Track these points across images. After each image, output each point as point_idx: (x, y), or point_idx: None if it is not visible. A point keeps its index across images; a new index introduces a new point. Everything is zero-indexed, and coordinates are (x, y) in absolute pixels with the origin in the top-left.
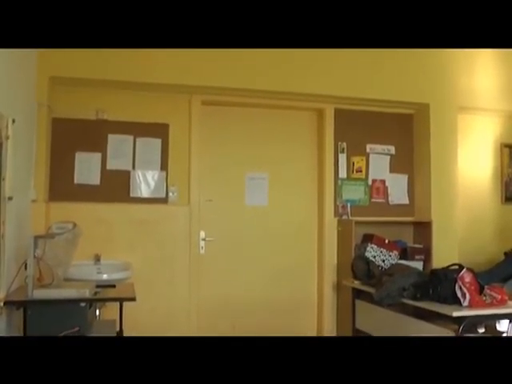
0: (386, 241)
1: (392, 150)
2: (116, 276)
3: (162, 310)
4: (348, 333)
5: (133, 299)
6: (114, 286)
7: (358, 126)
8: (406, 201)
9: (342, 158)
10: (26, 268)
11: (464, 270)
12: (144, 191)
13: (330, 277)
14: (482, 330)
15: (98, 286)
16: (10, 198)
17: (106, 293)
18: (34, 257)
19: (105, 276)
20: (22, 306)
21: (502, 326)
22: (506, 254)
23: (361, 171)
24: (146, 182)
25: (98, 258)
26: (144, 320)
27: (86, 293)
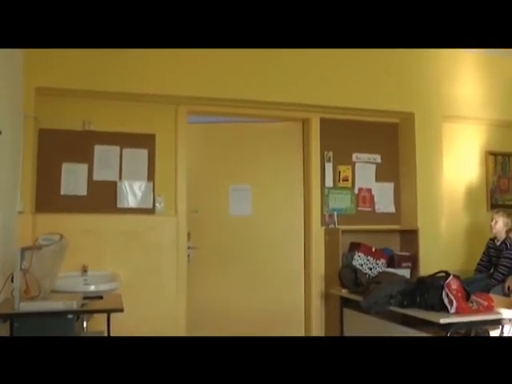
0: (373, 249)
1: (378, 158)
2: (103, 287)
3: (150, 320)
4: None
5: (120, 310)
6: (101, 298)
7: (344, 136)
8: (393, 209)
9: (329, 167)
10: (12, 280)
11: (451, 277)
12: (131, 202)
13: (318, 286)
14: None
15: (85, 298)
16: None
17: (93, 304)
18: (21, 269)
19: (92, 287)
20: (8, 318)
21: (495, 333)
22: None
23: (347, 180)
24: (132, 192)
25: (85, 270)
26: (132, 330)
27: (73, 305)
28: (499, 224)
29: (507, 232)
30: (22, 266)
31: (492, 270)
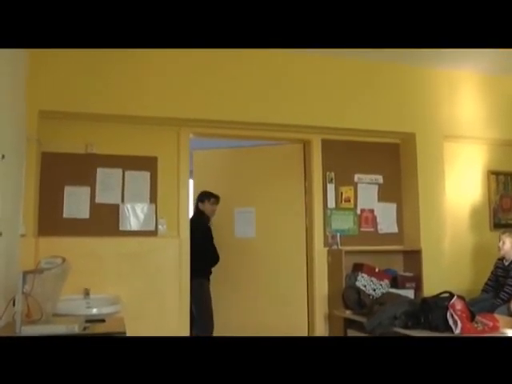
0: (377, 270)
1: (380, 179)
2: (105, 310)
3: None
4: None
5: (123, 333)
6: (103, 321)
7: (346, 156)
8: (395, 229)
9: (331, 187)
10: (14, 304)
11: (455, 297)
12: (133, 224)
13: (321, 307)
14: None
15: (87, 321)
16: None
17: (95, 328)
18: (23, 293)
19: (94, 310)
20: None
21: None
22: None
23: (349, 201)
24: (135, 214)
25: (87, 293)
26: None
27: (75, 328)
28: (507, 245)
29: None
30: (24, 290)
31: (499, 290)
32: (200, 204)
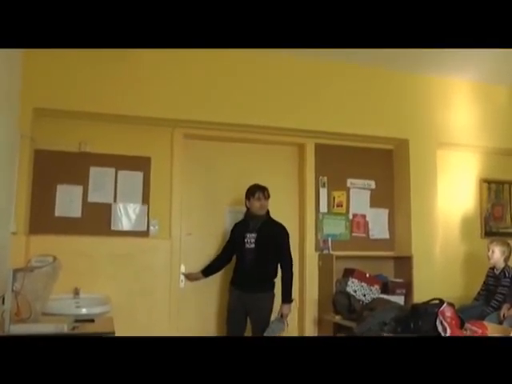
0: (367, 275)
1: (372, 184)
2: (95, 310)
3: None
4: None
5: (112, 334)
6: (92, 321)
7: (339, 161)
8: (387, 235)
9: (323, 192)
10: (3, 302)
11: (445, 304)
12: (125, 224)
13: (311, 311)
14: None
15: (76, 321)
16: None
17: (84, 328)
18: (12, 291)
19: (84, 310)
20: None
21: None
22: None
23: (341, 206)
24: (127, 215)
25: (77, 292)
26: None
27: (64, 328)
28: (496, 254)
29: (505, 260)
30: (14, 288)
31: (490, 299)
32: (247, 202)
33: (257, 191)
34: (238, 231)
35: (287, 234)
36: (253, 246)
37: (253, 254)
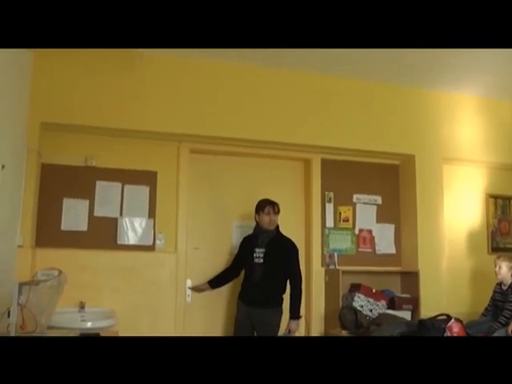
0: (374, 290)
1: (379, 199)
2: (100, 324)
3: None
4: None
5: None
6: (98, 335)
7: (345, 176)
8: (393, 250)
9: (329, 207)
10: (8, 315)
11: (452, 319)
12: (131, 238)
13: (318, 326)
14: None
15: (81, 335)
16: None
17: None
18: (18, 304)
19: (89, 324)
20: None
21: None
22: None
23: (348, 220)
24: (133, 229)
25: (82, 306)
26: None
27: None
28: (503, 269)
29: None
30: (19, 301)
31: (498, 315)
32: (256, 216)
33: (267, 206)
34: (246, 245)
35: (297, 250)
36: (261, 260)
37: (261, 268)
